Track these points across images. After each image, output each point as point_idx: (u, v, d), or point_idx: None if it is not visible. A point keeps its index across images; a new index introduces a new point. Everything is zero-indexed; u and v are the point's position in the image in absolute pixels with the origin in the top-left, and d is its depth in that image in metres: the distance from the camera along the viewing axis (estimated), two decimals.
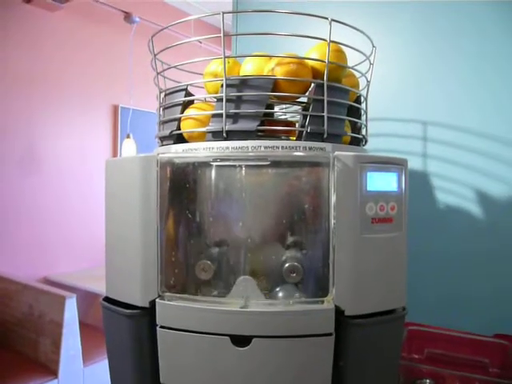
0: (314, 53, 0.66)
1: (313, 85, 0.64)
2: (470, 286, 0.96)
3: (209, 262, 0.64)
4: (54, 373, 1.94)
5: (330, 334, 0.57)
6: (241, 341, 0.57)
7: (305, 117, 0.63)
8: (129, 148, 2.40)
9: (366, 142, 0.74)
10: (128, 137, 2.44)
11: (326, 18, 0.62)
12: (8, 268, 2.32)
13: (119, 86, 2.63)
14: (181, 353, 0.59)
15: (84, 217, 2.55)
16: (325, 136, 0.62)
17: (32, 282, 2.19)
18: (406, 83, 0.97)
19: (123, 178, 0.63)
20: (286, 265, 0.61)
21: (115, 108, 2.70)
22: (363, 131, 0.74)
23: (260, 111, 0.61)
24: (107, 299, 0.66)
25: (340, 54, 0.66)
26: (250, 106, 0.61)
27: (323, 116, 0.62)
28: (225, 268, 0.66)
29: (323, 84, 0.63)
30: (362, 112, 0.75)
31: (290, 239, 0.66)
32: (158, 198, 0.60)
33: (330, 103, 0.63)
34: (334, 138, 0.63)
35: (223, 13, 0.61)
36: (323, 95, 0.63)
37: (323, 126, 0.62)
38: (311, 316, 0.57)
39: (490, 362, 0.89)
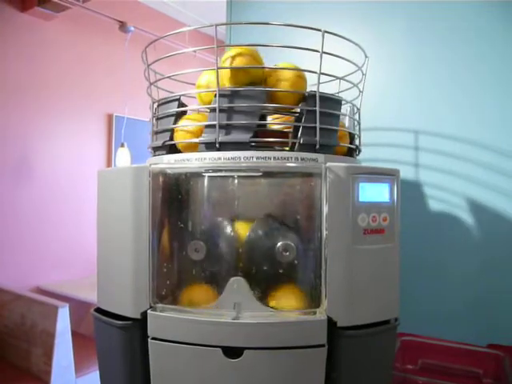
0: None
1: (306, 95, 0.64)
2: (464, 296, 0.96)
3: (201, 243, 0.63)
4: (46, 383, 1.91)
5: (323, 346, 0.57)
6: (233, 352, 0.56)
7: (297, 127, 0.63)
8: (123, 157, 2.39)
9: (359, 152, 0.74)
10: (122, 146, 2.43)
11: (319, 30, 0.62)
12: (0, 277, 2.30)
13: (114, 94, 2.63)
14: (172, 364, 0.58)
15: (78, 226, 2.53)
16: (317, 147, 0.62)
17: (24, 291, 2.17)
18: (397, 92, 0.98)
19: (115, 189, 0.63)
20: (279, 243, 0.61)
21: (110, 117, 2.70)
22: (356, 141, 0.74)
23: (253, 122, 0.61)
24: (99, 310, 0.66)
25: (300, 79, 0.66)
26: (244, 117, 0.61)
27: (315, 127, 0.63)
28: (217, 275, 0.65)
29: (315, 95, 0.63)
30: (356, 123, 0.75)
31: (282, 251, 0.65)
32: (149, 208, 0.60)
33: (322, 114, 0.63)
34: (327, 148, 0.64)
35: (216, 25, 0.61)
36: (315, 106, 0.63)
37: (315, 136, 0.62)
38: (303, 327, 0.57)
39: (483, 373, 0.89)
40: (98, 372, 0.70)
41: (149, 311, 0.59)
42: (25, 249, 2.46)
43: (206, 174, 0.59)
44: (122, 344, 0.61)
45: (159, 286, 0.61)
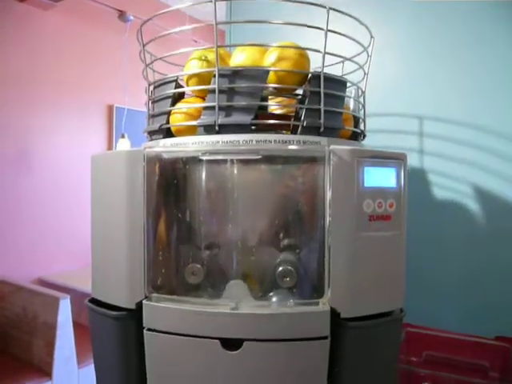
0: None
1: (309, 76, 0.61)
2: (471, 287, 0.94)
3: (198, 266, 0.61)
4: (48, 375, 1.90)
5: (326, 338, 0.54)
6: (231, 344, 0.54)
7: (300, 110, 0.60)
8: (124, 148, 2.37)
9: (364, 136, 0.71)
10: (123, 136, 2.41)
11: (324, 7, 0.59)
12: (1, 269, 2.29)
13: (114, 85, 2.60)
14: (169, 357, 0.56)
15: (78, 216, 2.51)
16: (321, 130, 0.60)
17: (26, 282, 2.16)
18: (401, 77, 0.95)
19: (109, 174, 0.60)
20: (279, 269, 0.58)
21: (110, 108, 2.67)
22: (361, 126, 0.71)
23: (255, 103, 0.58)
24: (93, 301, 0.63)
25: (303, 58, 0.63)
26: (244, 98, 0.58)
27: (319, 109, 0.60)
28: (215, 271, 0.63)
29: (319, 76, 0.60)
30: (360, 106, 0.72)
31: (283, 240, 0.63)
32: (144, 195, 0.58)
33: (326, 95, 0.60)
34: (331, 131, 0.61)
35: (215, 0, 0.58)
36: (319, 87, 0.60)
37: (319, 119, 0.59)
38: (305, 319, 0.54)
39: (489, 366, 0.86)
40: None
41: (144, 301, 0.57)
42: (26, 240, 2.44)
43: (204, 157, 0.56)
44: (117, 335, 0.59)
45: (155, 276, 0.58)
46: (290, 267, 0.58)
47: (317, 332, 0.54)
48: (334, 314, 0.55)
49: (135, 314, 0.58)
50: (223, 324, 0.54)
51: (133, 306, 0.57)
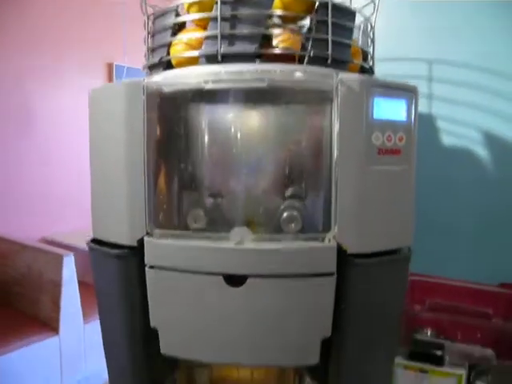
0: None
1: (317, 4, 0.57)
2: (477, 234, 0.92)
3: (201, 212, 0.59)
4: (55, 330, 1.93)
5: (332, 274, 0.53)
6: (235, 280, 0.53)
7: (307, 41, 0.57)
8: None
9: (372, 73, 0.68)
10: None
11: None
12: (5, 229, 2.29)
13: (114, 43, 2.54)
14: (171, 294, 0.55)
15: (81, 176, 2.49)
16: (328, 61, 0.57)
17: (30, 241, 2.16)
18: (410, 22, 0.91)
19: (108, 109, 0.58)
20: (284, 214, 0.56)
21: (110, 66, 2.62)
22: (370, 62, 0.68)
23: (259, 31, 0.55)
24: (95, 241, 0.62)
25: None
26: (248, 27, 0.55)
27: (327, 40, 0.56)
28: (218, 217, 0.61)
29: (327, 4, 0.56)
30: (369, 41, 0.69)
31: (289, 181, 0.61)
32: (144, 129, 0.55)
33: (334, 25, 0.57)
34: (339, 64, 0.58)
35: None
36: (327, 16, 0.56)
37: (327, 50, 0.56)
38: (311, 254, 0.53)
39: (493, 312, 0.86)
40: None
41: (145, 238, 0.55)
42: (28, 200, 2.44)
43: (206, 86, 0.53)
44: (119, 273, 0.58)
45: (156, 213, 0.57)
46: (295, 212, 0.56)
47: (323, 268, 0.53)
48: (341, 250, 0.54)
49: (137, 252, 0.56)
50: (227, 259, 0.52)
51: (134, 243, 0.56)
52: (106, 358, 0.66)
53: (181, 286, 0.54)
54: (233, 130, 0.62)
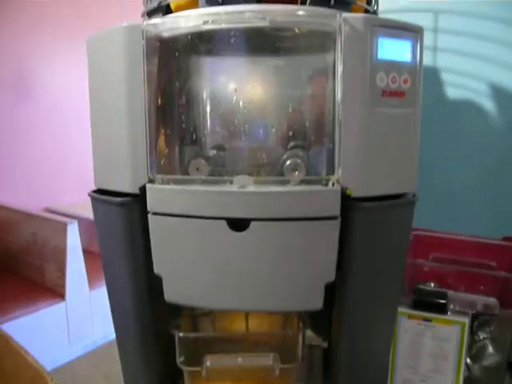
0: None
1: None
2: (481, 188, 0.92)
3: (203, 161, 0.58)
4: (61, 296, 1.96)
5: (336, 218, 0.53)
6: (238, 224, 0.52)
7: None
8: None
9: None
10: None
11: None
12: (8, 198, 2.30)
13: (110, 12, 2.48)
14: (174, 240, 0.55)
15: (84, 145, 2.48)
16: (331, 2, 0.55)
17: (34, 210, 2.17)
18: None
19: (107, 55, 0.56)
20: (288, 162, 0.56)
21: None
22: (374, 6, 0.66)
23: None
24: (97, 192, 0.62)
25: None
26: None
27: None
28: (220, 167, 0.61)
29: None
30: None
31: (291, 127, 0.60)
32: (144, 75, 0.54)
33: None
34: (342, 4, 0.56)
35: None
36: None
37: None
38: (315, 197, 0.52)
39: (496, 265, 0.86)
40: None
41: (147, 185, 0.55)
42: (33, 169, 2.43)
43: (205, 26, 0.51)
44: (122, 222, 0.58)
45: (158, 159, 0.56)
46: (298, 160, 0.55)
47: (327, 211, 0.52)
48: (345, 195, 0.53)
49: (139, 200, 0.56)
50: (230, 203, 0.52)
51: (136, 191, 0.56)
52: (112, 310, 0.67)
53: (184, 231, 0.54)
54: (234, 78, 0.61)
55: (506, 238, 0.90)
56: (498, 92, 0.87)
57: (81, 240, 2.03)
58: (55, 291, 2.02)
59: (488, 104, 0.88)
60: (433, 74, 0.91)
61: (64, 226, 1.96)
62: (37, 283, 2.12)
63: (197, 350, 0.60)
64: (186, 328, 0.60)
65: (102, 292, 2.26)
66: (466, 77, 0.89)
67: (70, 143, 2.55)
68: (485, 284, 0.83)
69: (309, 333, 0.79)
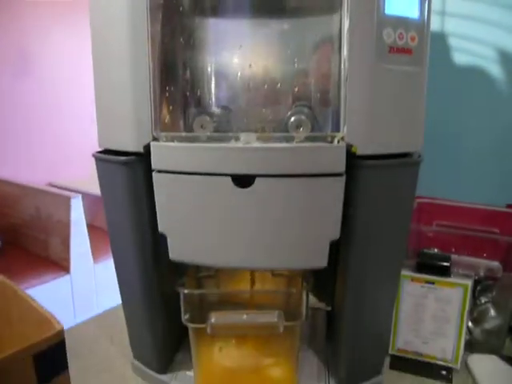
0: None
1: None
2: (486, 155, 0.91)
3: (207, 118, 0.58)
4: (66, 269, 1.98)
5: (341, 175, 0.53)
6: (243, 181, 0.52)
7: None
8: None
9: None
10: None
11: None
12: (11, 173, 2.30)
13: None
14: (179, 198, 0.55)
15: (86, 120, 2.48)
16: None
17: (37, 185, 2.18)
18: None
19: (110, 10, 0.55)
20: (292, 119, 0.55)
21: None
22: None
23: None
24: (101, 153, 0.62)
25: None
26: None
27: None
28: (225, 125, 0.60)
29: None
30: None
31: (296, 85, 0.59)
32: (148, 32, 0.53)
33: None
34: None
35: None
36: None
37: None
38: (320, 154, 0.52)
39: (500, 232, 0.86)
40: None
41: (152, 142, 0.55)
42: (35, 145, 2.43)
43: None
44: (126, 181, 0.58)
45: (162, 116, 0.56)
46: (303, 116, 0.55)
47: (332, 168, 0.52)
48: (350, 152, 0.53)
49: (144, 159, 0.56)
50: (235, 160, 0.52)
51: (141, 150, 0.56)
52: (117, 271, 0.67)
53: (188, 189, 0.54)
54: (239, 36, 0.60)
55: (510, 206, 0.90)
56: (505, 58, 0.86)
57: (85, 215, 2.04)
58: (60, 265, 2.04)
59: (495, 70, 0.87)
60: (440, 39, 0.89)
61: (68, 200, 1.96)
62: (41, 257, 2.14)
63: (202, 310, 0.60)
64: (190, 288, 0.60)
65: (107, 265, 2.30)
66: (473, 42, 0.88)
67: (72, 118, 2.54)
68: (488, 251, 0.83)
69: (312, 299, 0.80)
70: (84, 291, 2.03)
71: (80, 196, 1.98)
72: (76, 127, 2.51)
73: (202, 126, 0.58)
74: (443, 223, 0.90)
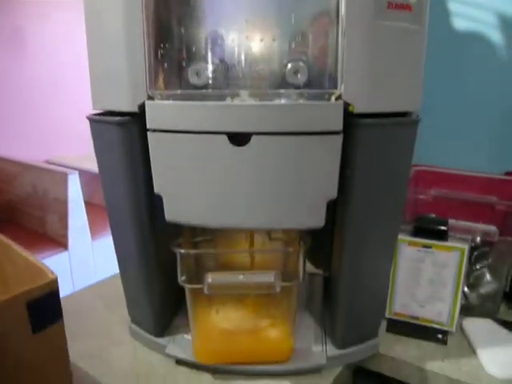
0: None
1: None
2: (484, 123, 0.90)
3: (203, 64, 0.55)
4: (64, 246, 1.99)
5: (338, 133, 0.52)
6: (239, 139, 0.52)
7: None
8: None
9: None
10: None
11: None
12: (8, 151, 2.29)
13: None
14: (174, 158, 0.54)
15: (81, 97, 2.45)
16: None
17: (34, 162, 2.16)
18: None
19: None
20: (289, 65, 0.54)
21: None
22: None
23: None
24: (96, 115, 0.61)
25: None
26: None
27: None
28: (220, 73, 0.58)
29: None
30: None
31: (293, 39, 0.58)
32: None
33: None
34: None
35: None
36: None
37: None
38: (316, 111, 0.51)
39: (497, 199, 0.86)
40: None
41: (147, 101, 0.54)
42: (31, 122, 2.41)
43: None
44: (121, 142, 0.57)
45: (157, 75, 0.55)
46: (301, 63, 0.54)
47: (329, 126, 0.51)
48: (347, 111, 0.52)
49: (138, 118, 0.55)
50: (230, 117, 0.51)
51: (135, 109, 0.55)
52: (113, 235, 0.67)
53: (184, 148, 0.53)
54: None
55: (508, 173, 0.90)
56: (505, 23, 0.85)
57: (83, 192, 2.03)
58: (58, 241, 2.04)
59: (495, 35, 0.86)
60: (440, 4, 0.88)
61: (65, 177, 1.96)
62: (39, 234, 2.14)
63: (198, 274, 0.60)
64: (187, 255, 0.60)
65: (105, 242, 2.31)
66: (474, 7, 0.86)
67: (69, 95, 2.52)
68: (485, 218, 0.83)
69: (310, 266, 0.81)
70: (82, 268, 2.04)
71: (77, 172, 1.97)
72: (73, 105, 2.49)
73: (197, 74, 0.56)
74: (441, 191, 0.90)
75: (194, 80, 0.54)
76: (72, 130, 2.49)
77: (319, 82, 0.54)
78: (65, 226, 1.98)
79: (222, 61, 0.54)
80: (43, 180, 2.07)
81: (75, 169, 2.13)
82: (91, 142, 0.62)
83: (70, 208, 1.96)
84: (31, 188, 2.13)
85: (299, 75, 0.53)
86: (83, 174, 2.04)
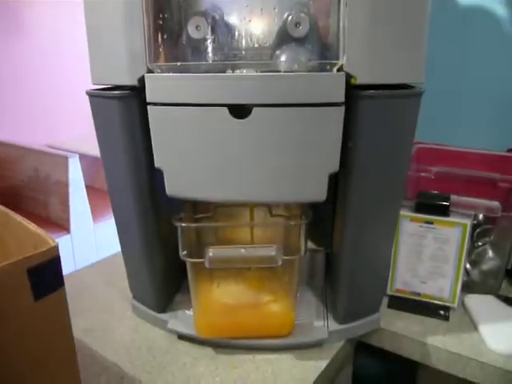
0: None
1: None
2: (485, 99, 0.89)
3: (202, 18, 0.54)
4: (66, 229, 1.99)
5: (340, 104, 0.51)
6: (240, 111, 0.51)
7: None
8: None
9: None
10: None
11: None
12: (9, 135, 2.28)
13: None
14: (175, 131, 0.54)
15: (83, 80, 2.43)
16: None
17: (35, 146, 2.16)
18: None
19: None
20: (291, 17, 0.53)
21: None
22: None
23: None
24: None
25: None
26: None
27: None
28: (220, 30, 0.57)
29: None
30: None
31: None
32: None
33: None
34: None
35: None
36: None
37: None
38: (318, 82, 0.51)
39: (500, 177, 0.85)
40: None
41: (146, 75, 0.53)
42: (32, 106, 2.40)
43: None
44: (121, 116, 0.57)
45: (156, 46, 0.54)
46: (302, 15, 0.52)
47: (331, 97, 0.51)
48: (349, 83, 0.52)
49: (138, 92, 0.55)
50: (230, 89, 0.50)
51: (135, 83, 0.54)
52: (114, 211, 0.67)
53: (184, 121, 0.53)
54: None
55: (510, 150, 0.89)
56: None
57: (84, 176, 2.03)
58: (60, 224, 2.05)
59: (499, 11, 0.84)
60: None
61: (65, 160, 1.95)
62: (41, 218, 2.15)
63: (199, 249, 0.60)
64: (188, 229, 0.60)
65: (107, 224, 2.30)
66: None
67: (70, 79, 2.50)
68: (487, 195, 0.83)
69: (311, 245, 0.81)
70: (84, 251, 2.04)
71: (77, 156, 1.97)
72: (74, 89, 2.47)
73: (197, 28, 0.55)
74: (443, 168, 0.89)
75: (194, 34, 0.53)
76: (74, 114, 2.48)
77: (320, 53, 0.53)
78: (66, 210, 1.99)
79: (221, 18, 0.53)
80: (45, 164, 2.07)
81: (76, 152, 2.12)
82: (93, 125, 0.61)
83: (70, 191, 1.96)
84: (33, 172, 2.13)
85: (301, 27, 0.52)
86: (85, 159, 2.03)
